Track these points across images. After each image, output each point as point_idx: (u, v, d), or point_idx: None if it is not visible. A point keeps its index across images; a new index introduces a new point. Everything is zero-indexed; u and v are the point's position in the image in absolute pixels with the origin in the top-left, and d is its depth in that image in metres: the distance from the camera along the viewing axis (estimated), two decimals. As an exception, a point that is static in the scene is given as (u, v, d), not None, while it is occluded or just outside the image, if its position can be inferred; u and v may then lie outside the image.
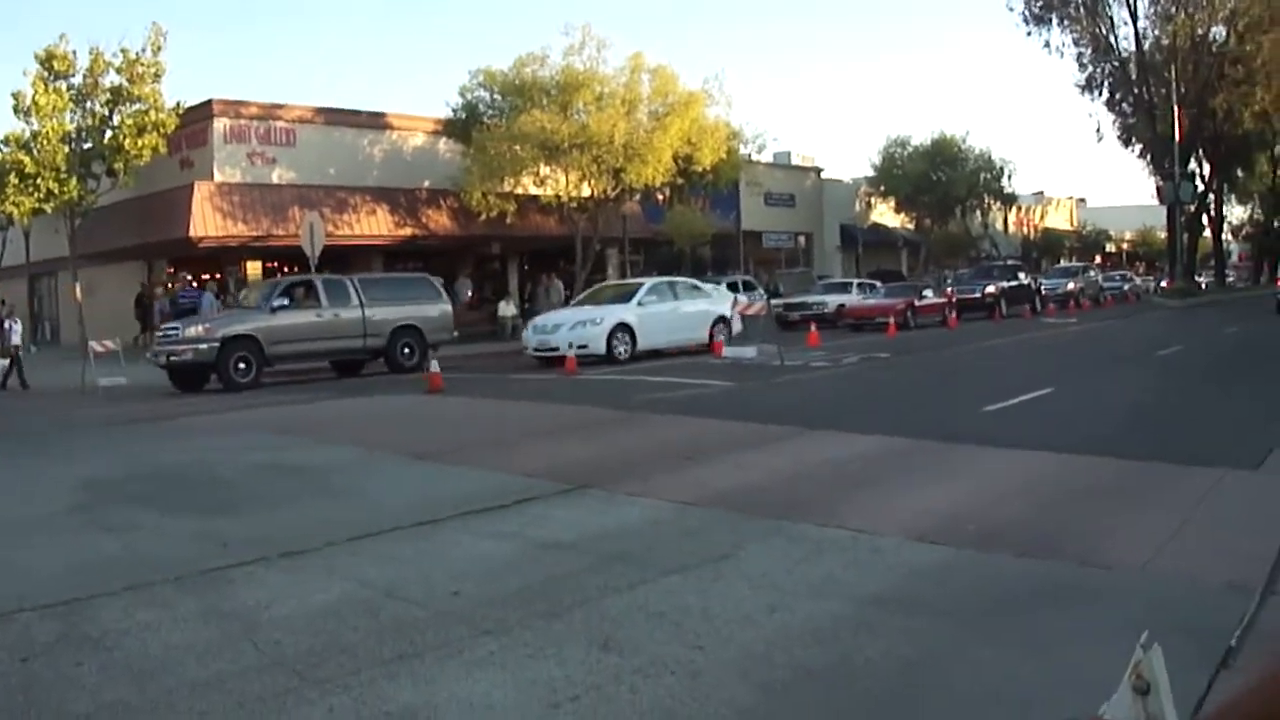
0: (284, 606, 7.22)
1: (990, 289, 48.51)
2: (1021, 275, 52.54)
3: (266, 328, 26.91)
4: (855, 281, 51.41)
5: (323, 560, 8.48)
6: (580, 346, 28.10)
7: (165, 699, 5.65)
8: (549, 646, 6.20)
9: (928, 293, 44.73)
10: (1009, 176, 69.39)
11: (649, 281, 33.25)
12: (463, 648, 6.25)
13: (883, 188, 68.02)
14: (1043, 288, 54.84)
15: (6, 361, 31.23)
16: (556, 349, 28.50)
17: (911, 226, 70.86)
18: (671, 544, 8.46)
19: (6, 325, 32.46)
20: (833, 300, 46.29)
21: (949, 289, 48.05)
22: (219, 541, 9.13)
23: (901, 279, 56.92)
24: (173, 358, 26.03)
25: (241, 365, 26.11)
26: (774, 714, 5.26)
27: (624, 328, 29.37)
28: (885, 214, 71.31)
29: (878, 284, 49.44)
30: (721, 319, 32.01)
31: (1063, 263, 75.07)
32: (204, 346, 25.84)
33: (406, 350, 29.83)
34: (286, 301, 27.99)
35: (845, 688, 5.54)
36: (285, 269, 42.78)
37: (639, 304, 30.19)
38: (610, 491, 10.73)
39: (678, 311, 31.17)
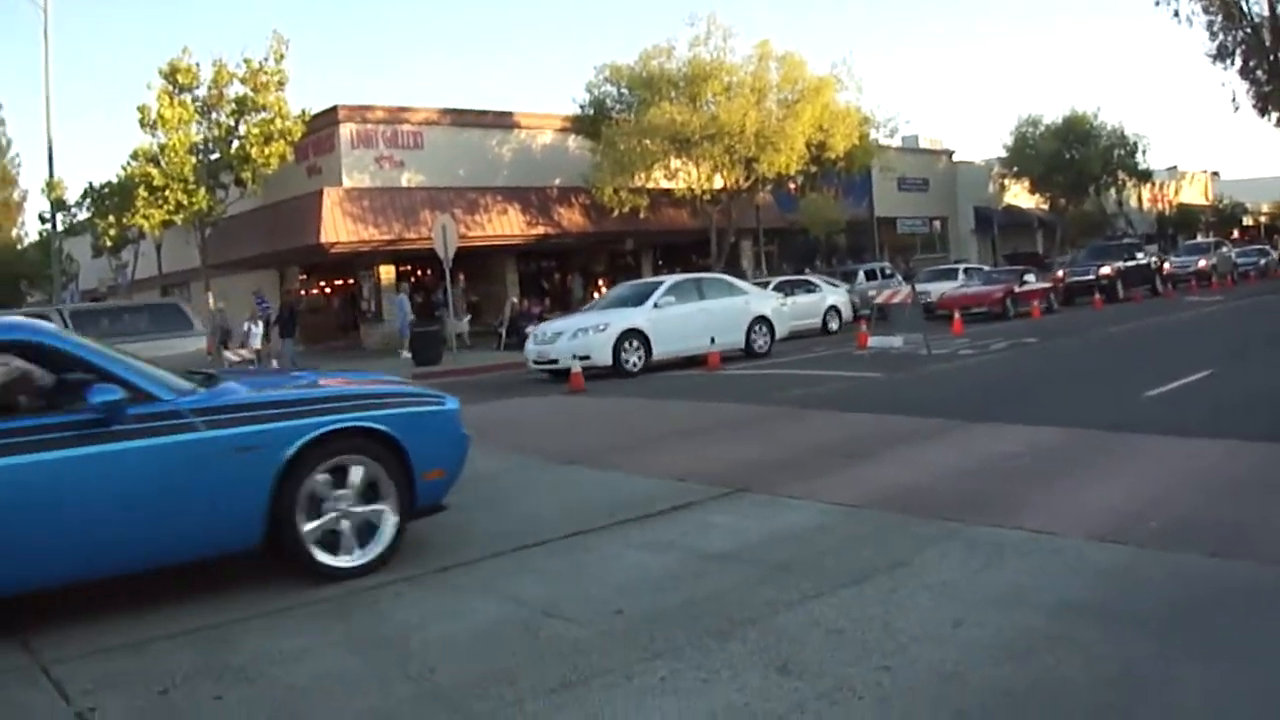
0: (436, 629, 6.98)
1: (1105, 270, 45.18)
2: (1140, 254, 49.23)
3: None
4: (962, 267, 48.97)
5: (474, 576, 8.25)
6: (582, 357, 24.59)
7: (314, 737, 5.39)
8: (724, 669, 5.89)
9: (1030, 278, 41.64)
10: (1142, 152, 67.86)
11: (670, 279, 29.39)
12: (631, 673, 5.95)
13: (1016, 168, 67.03)
14: (1170, 266, 51.87)
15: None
16: (555, 361, 25.40)
17: (1046, 207, 69.74)
18: (842, 551, 8.13)
19: (247, 327, 33.74)
20: (936, 289, 42.33)
21: (1059, 271, 46.29)
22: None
23: (1038, 261, 55.84)
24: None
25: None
26: (975, 743, 4.90)
27: (634, 334, 25.76)
28: (1019, 195, 70.33)
29: (984, 268, 47.89)
30: (761, 320, 28.55)
31: (1198, 238, 72.62)
32: None
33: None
34: None
35: (1048, 711, 5.17)
36: (419, 272, 43.01)
37: (655, 306, 26.51)
38: (771, 495, 10.40)
39: (705, 313, 27.21)
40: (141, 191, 38.06)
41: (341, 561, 8.26)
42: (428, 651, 6.53)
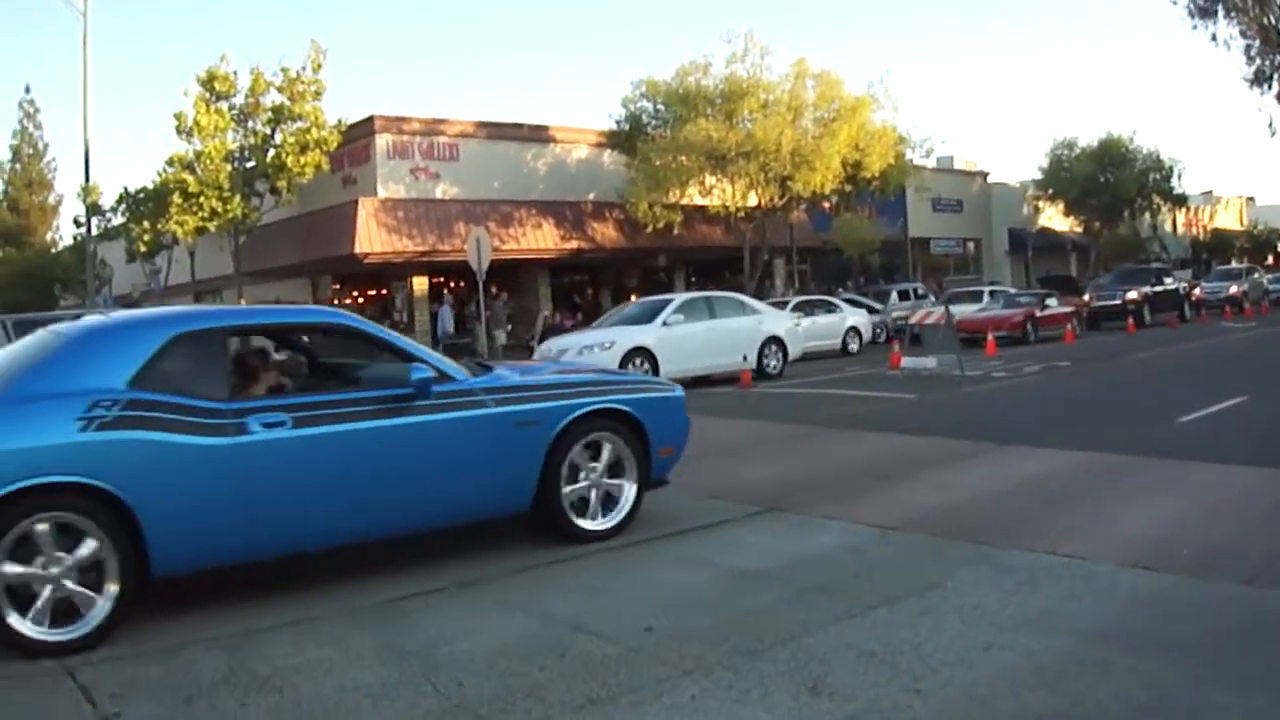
0: (465, 642, 6.95)
1: (1132, 295, 43.68)
2: (1169, 279, 47.68)
3: None
4: (988, 290, 47.86)
5: (503, 590, 8.23)
6: None
7: (337, 749, 5.39)
8: (754, 689, 5.88)
9: (1051, 302, 40.63)
10: (1178, 176, 67.15)
11: (680, 297, 28.84)
12: (660, 691, 5.94)
13: (1050, 191, 66.64)
14: (1201, 291, 50.88)
15: None
16: None
17: (1080, 230, 69.44)
18: (874, 573, 8.11)
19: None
20: (960, 311, 39.37)
21: (1085, 295, 45.71)
22: (392, 568, 8.93)
23: (1072, 284, 55.48)
24: None
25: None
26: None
27: (641, 352, 24.83)
28: (1054, 217, 70.00)
29: (1010, 291, 46.88)
30: (774, 340, 28.00)
31: (1231, 264, 71.78)
32: None
33: None
34: None
35: (1079, 738, 5.12)
36: (452, 284, 43.08)
37: (664, 324, 25.71)
38: (804, 514, 10.39)
39: (715, 332, 26.65)
40: (176, 198, 38.23)
41: (591, 525, 9.63)
42: (455, 665, 6.53)
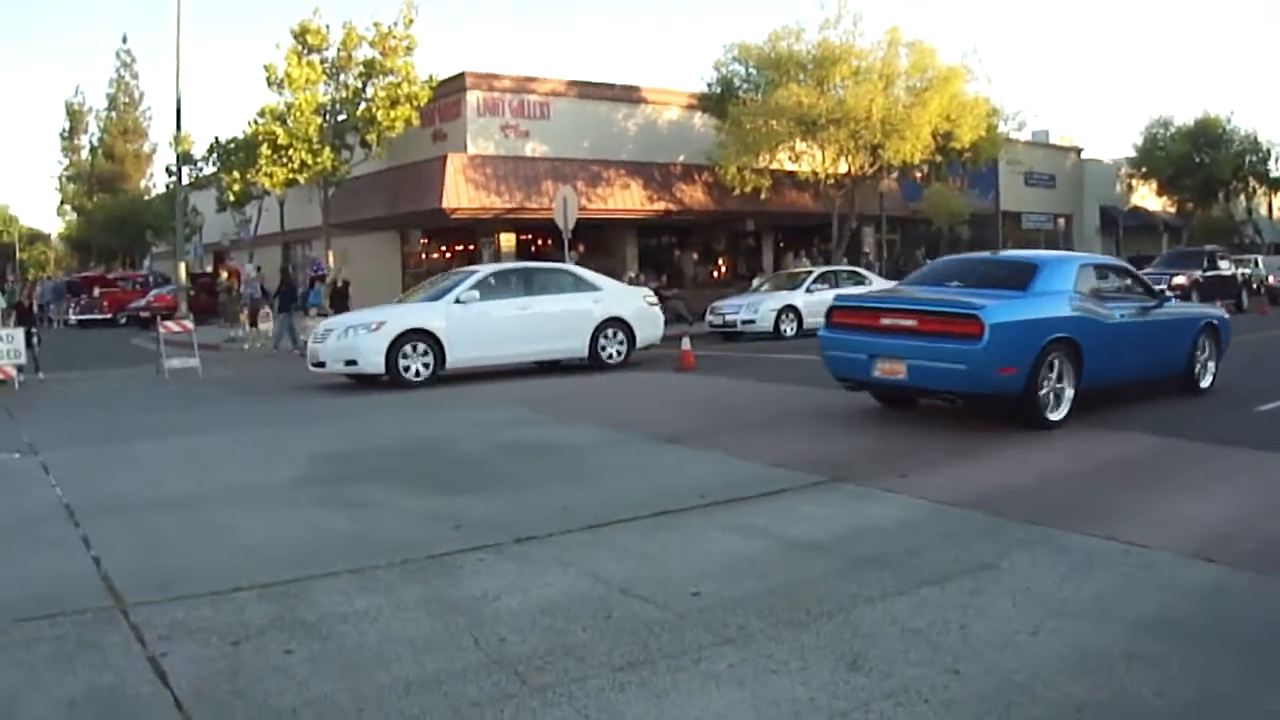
0: (512, 599, 7.01)
1: (1179, 279, 39.80)
2: (1224, 263, 44.94)
3: None
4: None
5: (558, 549, 8.27)
6: (349, 362, 21.14)
7: (375, 697, 5.47)
8: (793, 661, 5.85)
9: None
10: (1275, 159, 65.66)
11: (484, 269, 24.21)
12: (700, 657, 5.93)
13: (1144, 169, 65.67)
14: (1275, 278, 48.20)
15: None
16: (324, 364, 21.53)
17: (1173, 210, 68.44)
18: (929, 549, 8.03)
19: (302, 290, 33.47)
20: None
21: None
22: (452, 523, 9.01)
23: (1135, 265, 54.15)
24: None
25: None
26: (1037, 759, 4.80)
27: (420, 336, 21.31)
28: (1147, 197, 68.99)
29: None
30: (615, 323, 23.93)
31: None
32: None
33: None
34: None
35: (1117, 732, 5.03)
36: (539, 242, 43.13)
37: (457, 301, 21.85)
38: (865, 486, 10.33)
39: (530, 313, 22.63)
40: (265, 149, 38.57)
41: (1055, 416, 13.60)
42: (500, 621, 6.57)
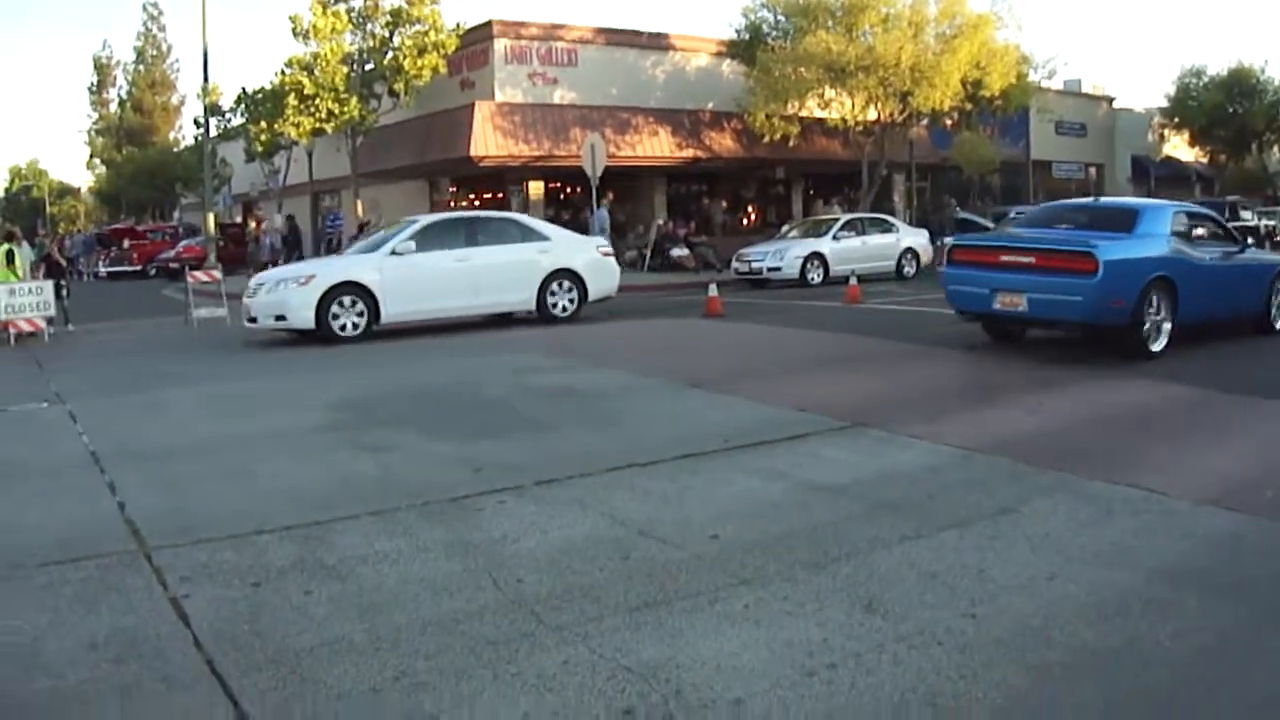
0: (531, 540, 7.07)
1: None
2: (1246, 213, 44.44)
3: None
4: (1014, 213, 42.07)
5: (579, 491, 8.31)
6: (278, 317, 20.27)
7: (392, 637, 5.51)
8: (809, 602, 5.89)
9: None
10: (1310, 111, 65.05)
11: (423, 219, 22.94)
12: (715, 598, 5.98)
13: (1176, 119, 64.83)
14: None
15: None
16: (255, 320, 20.62)
17: (1206, 161, 67.87)
18: (950, 494, 8.03)
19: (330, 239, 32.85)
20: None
21: None
22: (474, 466, 9.04)
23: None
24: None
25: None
26: (1047, 703, 4.80)
27: (353, 289, 20.26)
28: (1179, 147, 68.32)
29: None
30: (565, 274, 22.61)
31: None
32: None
33: None
34: None
35: (1129, 677, 5.04)
36: (568, 190, 43.11)
37: (393, 253, 20.76)
38: (889, 432, 10.32)
39: (469, 265, 21.35)
40: (291, 99, 38.63)
41: (1156, 347, 14.93)
42: (519, 562, 6.63)
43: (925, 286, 28.72)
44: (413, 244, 20.85)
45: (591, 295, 22.95)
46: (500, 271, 21.67)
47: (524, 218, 25.18)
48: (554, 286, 22.39)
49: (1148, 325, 14.67)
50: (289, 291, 20.02)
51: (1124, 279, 14.29)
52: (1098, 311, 14.28)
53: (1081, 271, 14.07)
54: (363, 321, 20.14)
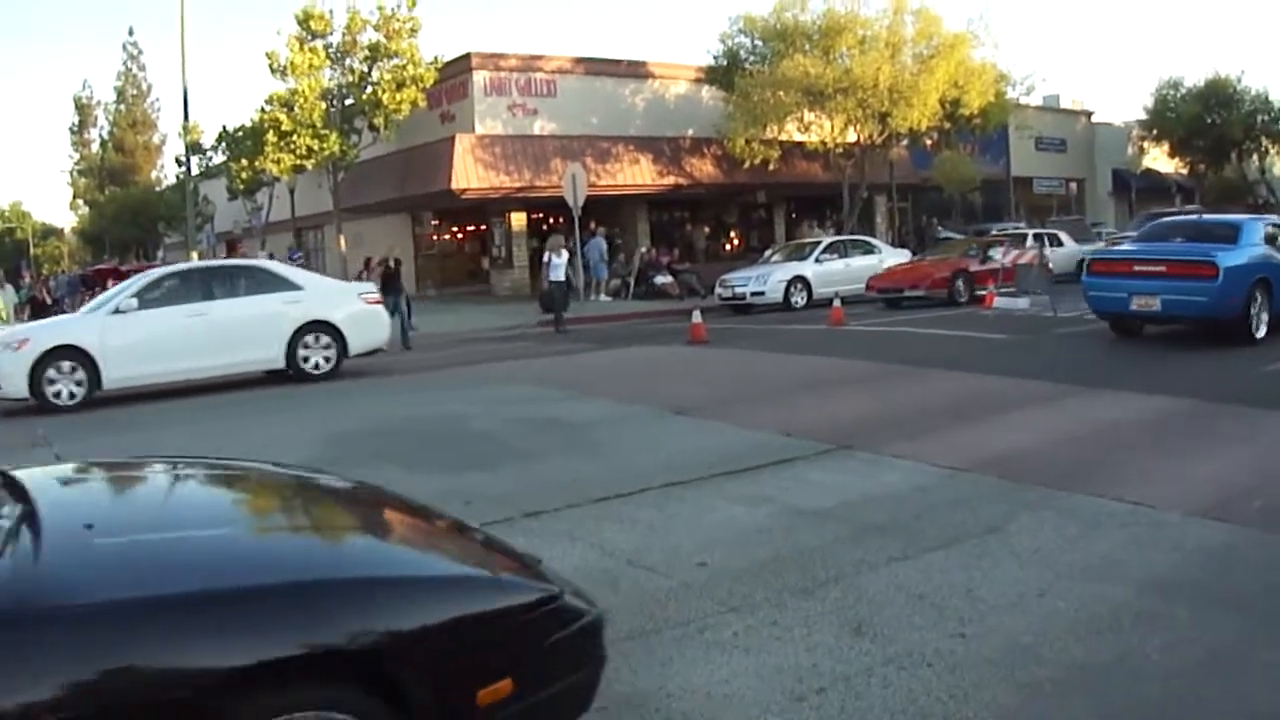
0: (520, 574, 6.99)
1: None
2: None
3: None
4: (1032, 233, 38.83)
5: (566, 522, 8.34)
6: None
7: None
8: (798, 627, 5.91)
9: (995, 254, 31.38)
10: (1288, 119, 65.23)
11: (154, 273, 20.74)
12: (705, 626, 6.00)
13: (1155, 131, 64.96)
14: None
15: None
16: None
17: (1186, 171, 68.09)
18: (937, 514, 8.06)
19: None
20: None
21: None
22: (463, 499, 8.98)
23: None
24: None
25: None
26: (1038, 722, 4.80)
27: (70, 353, 17.81)
28: (1159, 159, 68.48)
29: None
30: (320, 327, 20.01)
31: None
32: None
33: None
34: None
35: (1120, 692, 5.06)
36: (550, 220, 43.16)
37: (116, 310, 18.69)
38: (874, 453, 10.36)
39: (208, 320, 19.04)
40: (271, 136, 38.69)
41: (1259, 334, 17.60)
42: (509, 595, 6.56)
43: (908, 307, 28.68)
44: (135, 301, 18.64)
45: (353, 349, 20.45)
46: (242, 326, 19.32)
47: (275, 265, 22.98)
48: (307, 340, 19.90)
49: (1253, 317, 17.54)
50: (2, 357, 17.78)
51: (1237, 281, 17.30)
52: (1218, 308, 17.29)
53: (1206, 276, 17.12)
54: (81, 391, 17.87)
